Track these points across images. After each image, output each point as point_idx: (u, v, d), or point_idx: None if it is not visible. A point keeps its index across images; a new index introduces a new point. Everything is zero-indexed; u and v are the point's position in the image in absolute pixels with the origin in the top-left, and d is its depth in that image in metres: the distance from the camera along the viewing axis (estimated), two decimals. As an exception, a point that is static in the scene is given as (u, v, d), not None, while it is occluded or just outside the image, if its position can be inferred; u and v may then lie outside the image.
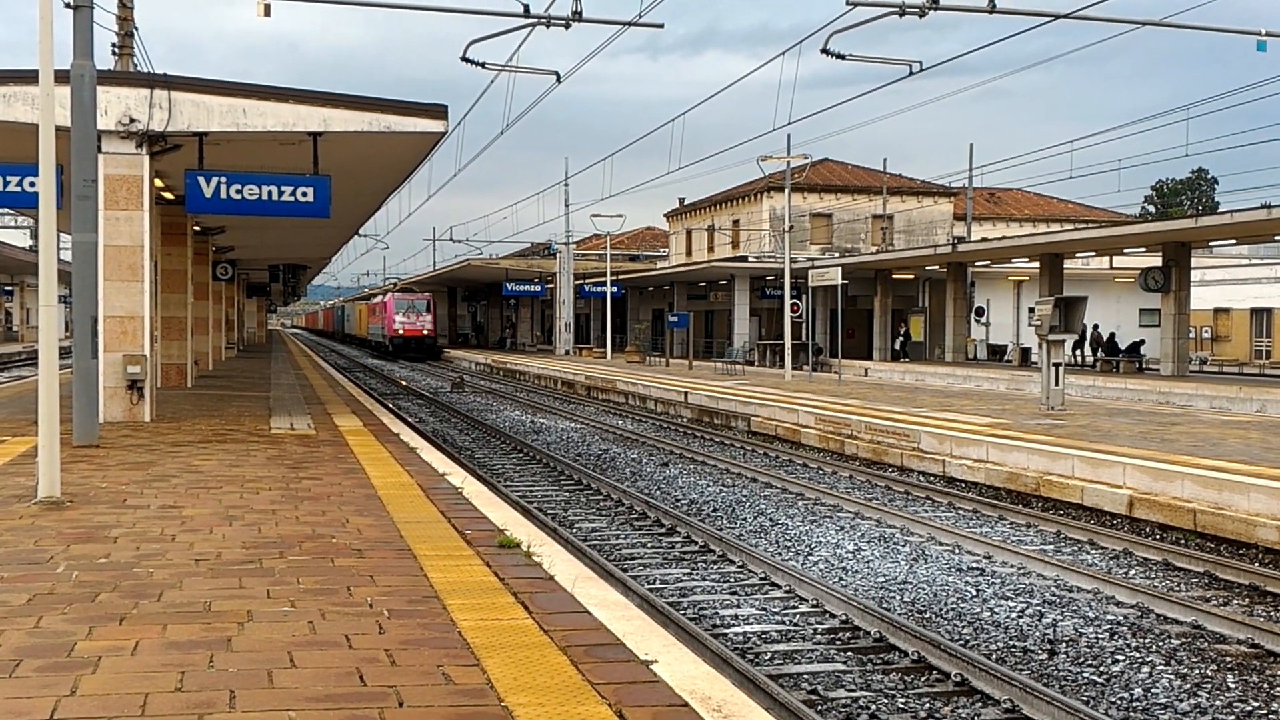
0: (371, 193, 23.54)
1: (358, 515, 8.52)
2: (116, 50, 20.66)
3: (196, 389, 23.97)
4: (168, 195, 20.20)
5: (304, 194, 15.12)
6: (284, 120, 15.06)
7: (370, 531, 7.89)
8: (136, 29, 20.59)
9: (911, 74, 18.02)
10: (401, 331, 64.72)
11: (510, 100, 65.10)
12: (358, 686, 4.57)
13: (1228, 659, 7.97)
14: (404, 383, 41.40)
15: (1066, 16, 16.20)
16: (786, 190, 37.17)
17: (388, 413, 20.69)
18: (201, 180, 15.01)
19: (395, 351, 64.65)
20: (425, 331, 65.70)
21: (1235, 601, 9.68)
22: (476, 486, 10.49)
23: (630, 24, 16.52)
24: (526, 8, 16.10)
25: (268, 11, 15.83)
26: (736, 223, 62.31)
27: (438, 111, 15.20)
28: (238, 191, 15.07)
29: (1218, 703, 7.10)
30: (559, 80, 18.74)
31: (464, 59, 17.50)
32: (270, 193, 15.09)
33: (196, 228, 27.00)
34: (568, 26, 15.84)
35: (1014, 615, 9.12)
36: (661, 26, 17.60)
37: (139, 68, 21.14)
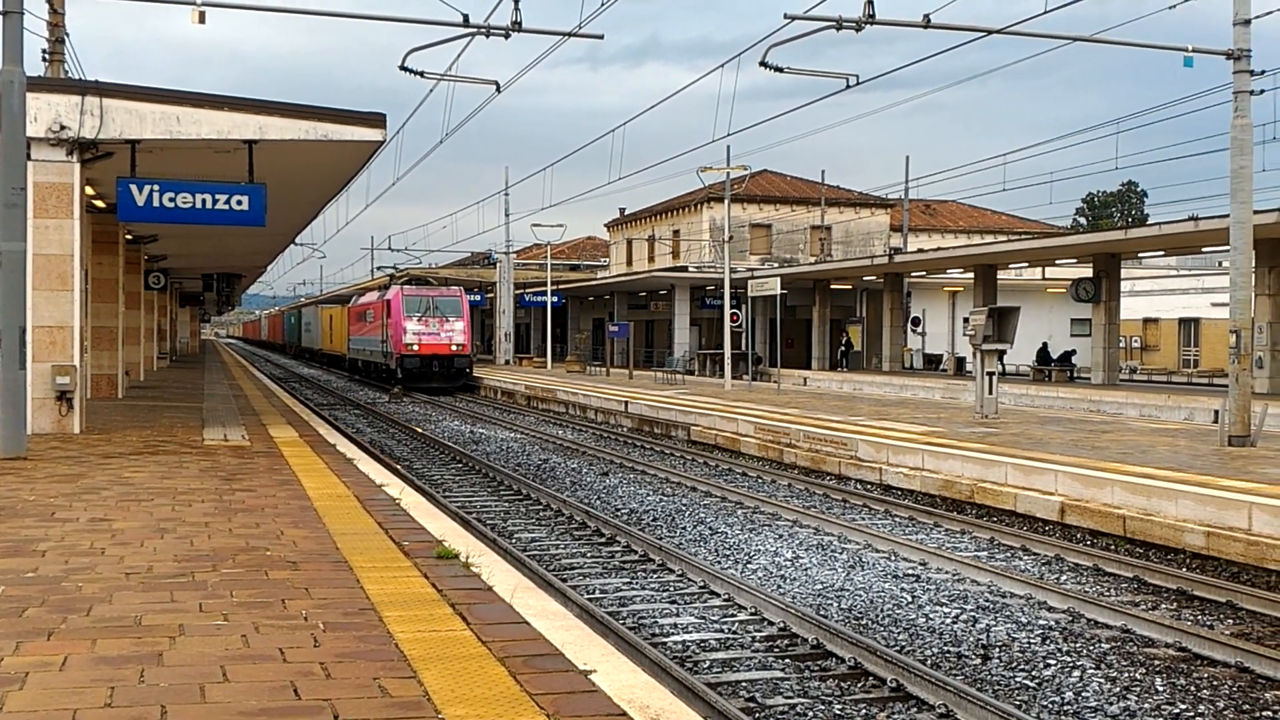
0: (308, 201, 23.33)
1: (293, 527, 8.43)
2: (47, 57, 20.30)
3: (128, 400, 23.55)
4: (99, 203, 19.86)
5: (239, 202, 14.94)
6: (219, 128, 14.89)
7: (305, 543, 7.81)
8: (68, 35, 20.25)
9: (848, 87, 18.22)
10: (417, 347, 40.71)
11: (449, 109, 65.05)
12: (292, 700, 4.52)
13: (1156, 662, 8.13)
14: (341, 393, 41.00)
15: (999, 32, 16.48)
16: (726, 201, 37.38)
17: (324, 423, 20.49)
18: (134, 188, 14.78)
19: (406, 378, 40.48)
20: (456, 347, 41.36)
21: (1164, 606, 9.89)
22: (415, 497, 10.42)
23: (570, 34, 16.54)
24: (466, 17, 16.07)
25: (202, 19, 15.64)
26: (677, 233, 62.53)
27: (376, 120, 15.11)
28: (171, 200, 14.85)
29: (1146, 705, 7.25)
30: (499, 90, 18.70)
31: (403, 68, 17.41)
32: (204, 201, 14.90)
33: (129, 236, 26.57)
34: (507, 36, 15.83)
35: (949, 621, 9.24)
36: (601, 38, 17.64)
37: (70, 74, 20.78)
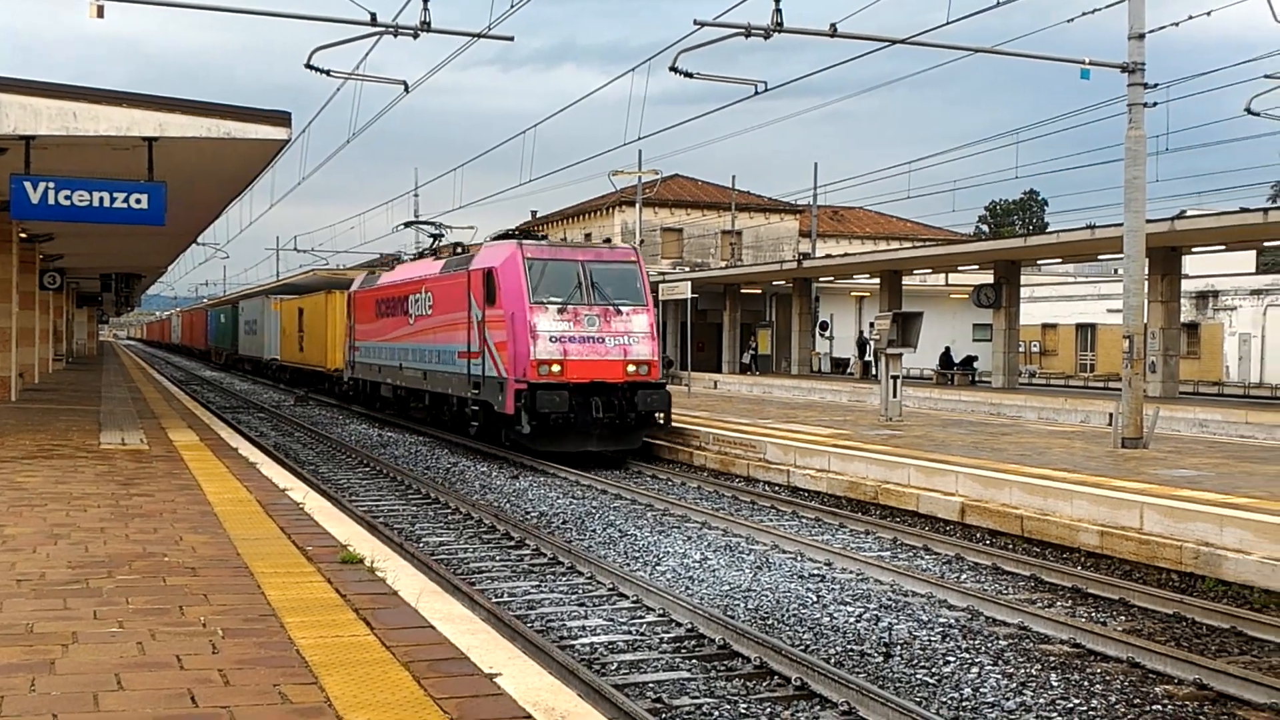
0: (211, 200, 22.85)
1: (192, 533, 8.27)
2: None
3: (21, 403, 22.84)
4: (-10, 200, 19.21)
5: (138, 201, 14.59)
6: (118, 125, 14.51)
7: (205, 549, 7.66)
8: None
9: (757, 93, 18.41)
10: (559, 369, 19.32)
11: (357, 109, 63.79)
12: (189, 708, 4.44)
13: (1051, 658, 8.35)
14: (245, 396, 40.17)
15: (902, 42, 16.80)
16: (638, 205, 37.51)
17: (226, 427, 20.10)
18: (28, 185, 14.34)
19: (540, 431, 19.24)
20: (636, 367, 19.80)
21: (1059, 603, 10.15)
22: (319, 502, 10.28)
23: (480, 35, 16.46)
24: (373, 16, 15.90)
25: (100, 13, 15.25)
26: (589, 236, 62.54)
27: (280, 118, 14.85)
28: (67, 198, 14.44)
29: (1041, 700, 7.44)
30: (407, 90, 18.54)
31: (309, 66, 17.17)
32: (102, 199, 14.51)
33: (23, 234, 25.76)
34: (416, 36, 15.69)
35: (852, 620, 9.38)
36: (512, 39, 17.59)
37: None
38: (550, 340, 19.17)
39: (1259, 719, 7.10)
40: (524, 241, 20.59)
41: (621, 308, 19.76)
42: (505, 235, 22.70)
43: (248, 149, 15.64)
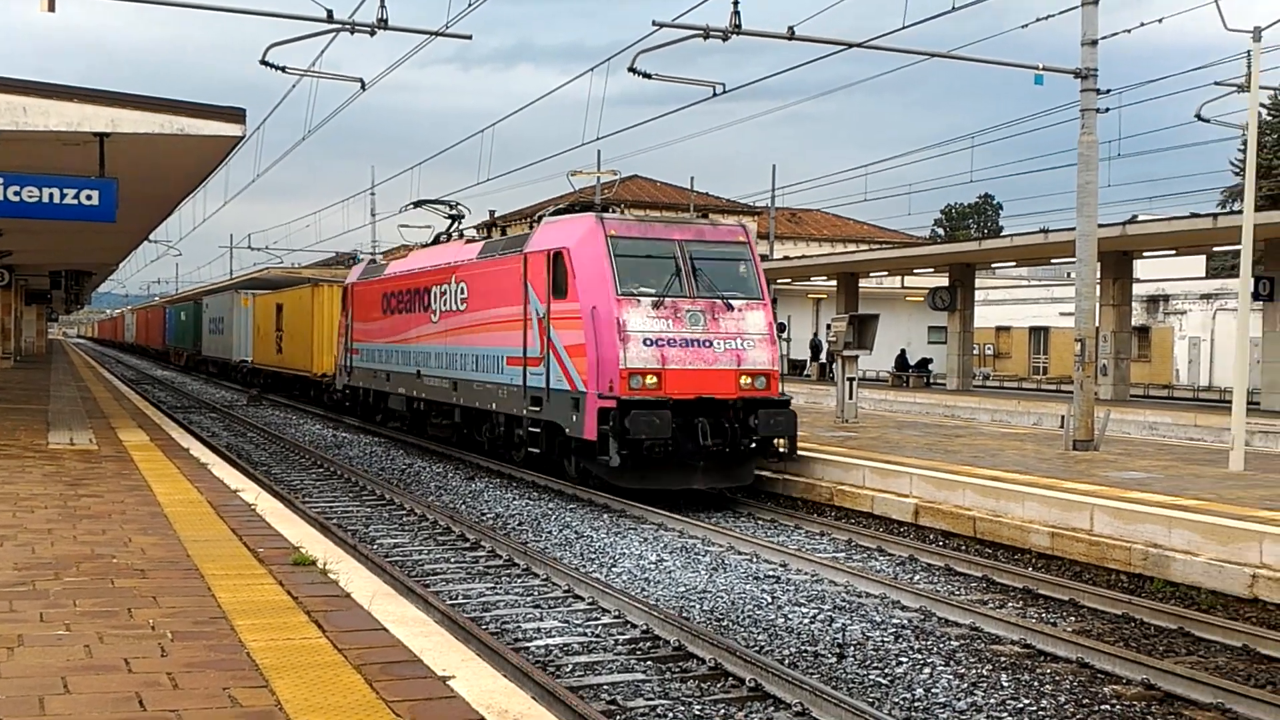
0: (163, 197, 22.57)
1: (141, 534, 8.16)
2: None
3: (-33, 402, 22.44)
4: (-64, 195, 18.86)
5: (89, 197, 14.39)
6: (69, 120, 14.30)
7: (155, 551, 7.57)
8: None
9: (715, 95, 18.47)
10: (656, 380, 15.02)
11: (313, 106, 63.18)
12: (137, 712, 4.39)
13: (1002, 659, 8.43)
14: (196, 395, 39.73)
15: (858, 45, 16.92)
16: (597, 205, 37.48)
17: (177, 427, 19.88)
18: (-26, 180, 14.09)
19: (633, 460, 14.79)
20: (751, 380, 15.58)
21: (1010, 604, 10.26)
22: (271, 503, 10.19)
23: (437, 34, 16.38)
24: (330, 13, 15.77)
25: (51, 6, 15.02)
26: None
27: (235, 115, 14.70)
28: (16, 193, 14.22)
29: (992, 700, 7.51)
30: (364, 87, 18.42)
31: (264, 62, 17.01)
32: (52, 195, 14.30)
33: (-31, 230, 25.33)
34: (373, 34, 15.60)
35: (807, 621, 9.42)
36: (470, 38, 17.51)
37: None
38: (645, 343, 14.92)
39: (1205, 718, 7.21)
40: (604, 215, 16.03)
41: (732, 302, 15.67)
42: (572, 208, 17.76)
43: (201, 145, 15.47)
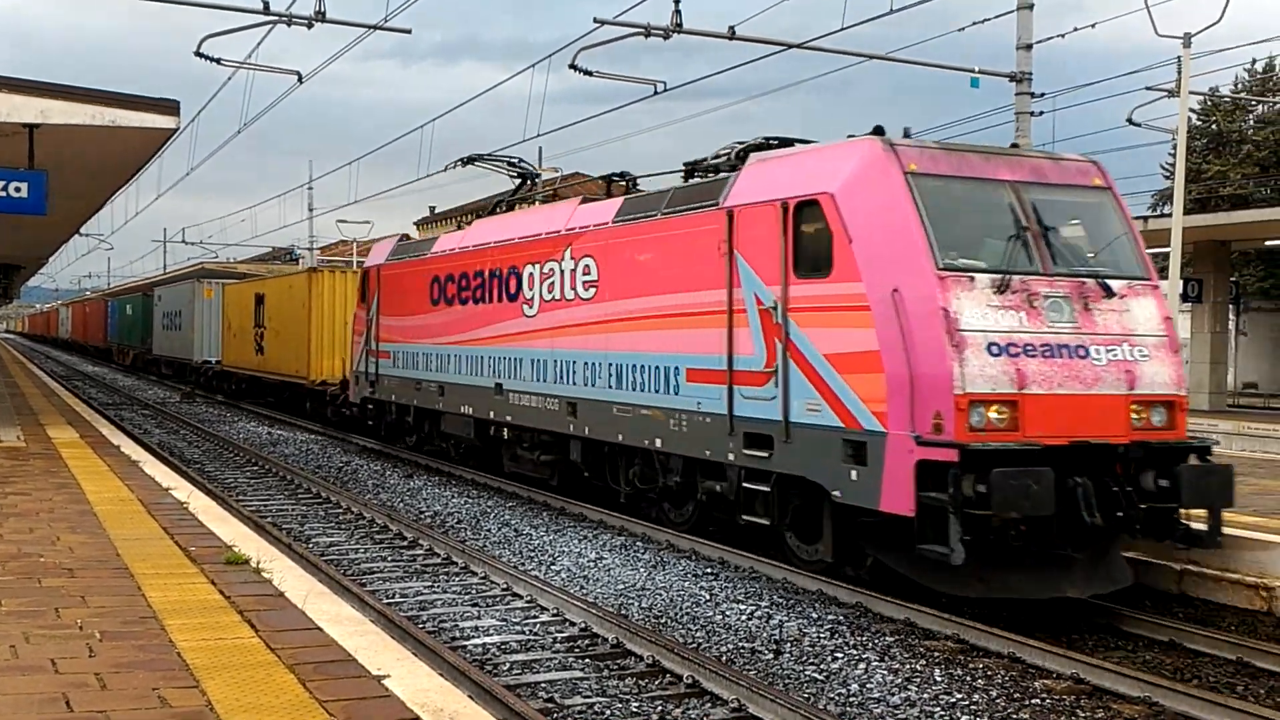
0: (95, 190, 22.15)
1: (70, 533, 8.02)
2: None
3: (-111, 398, 21.90)
4: None
5: (17, 189, 14.10)
6: (-5, 109, 13.99)
7: (84, 550, 7.43)
8: None
9: (656, 93, 18.50)
10: (1015, 417, 9.14)
11: (248, 99, 62.18)
12: (64, 713, 4.31)
13: (936, 654, 8.53)
14: (128, 392, 39.04)
15: (798, 46, 17.04)
16: (537, 202, 37.41)
17: (108, 424, 19.55)
18: (-103, 170, 13.74)
19: (975, 550, 8.78)
20: (1152, 413, 9.62)
21: (944, 599, 10.37)
22: (204, 501, 10.06)
23: (376, 27, 16.25)
24: (266, 4, 15.58)
25: (-23, -9, 14.68)
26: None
27: (168, 107, 14.46)
28: (-60, 184, 13.84)
29: (926, 695, 7.60)
30: (300, 80, 18.22)
31: (198, 54, 16.77)
32: (-22, 186, 13.97)
33: (-109, 221, 24.70)
34: (310, 26, 15.43)
35: (744, 618, 9.47)
36: (409, 32, 17.38)
37: None
38: (991, 351, 9.27)
39: (1132, 711, 7.36)
40: (894, 140, 10.31)
41: (1110, 283, 9.95)
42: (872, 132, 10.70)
43: (134, 138, 15.21)
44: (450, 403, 17.58)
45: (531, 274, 15.07)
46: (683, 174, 13.43)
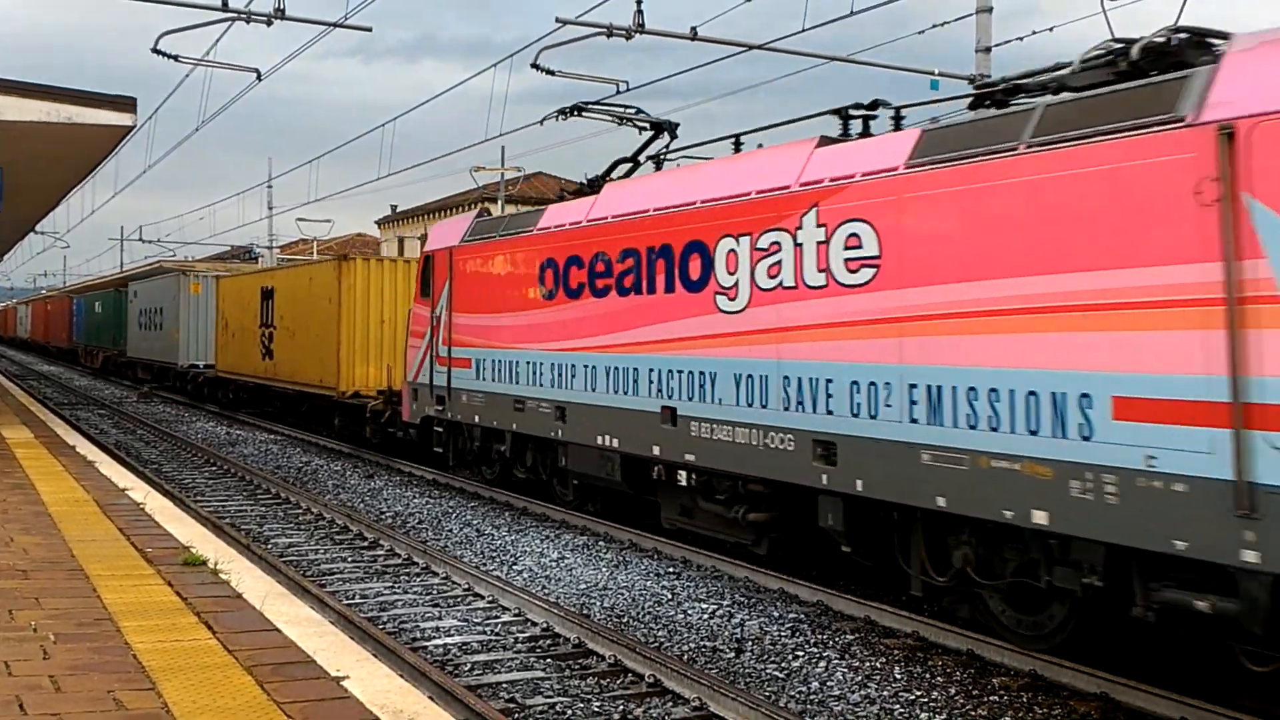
0: (50, 187, 21.88)
1: (24, 534, 7.91)
2: None
3: None
4: None
5: (-31, 186, 13.87)
6: (-53, 105, 13.78)
7: (38, 551, 7.34)
8: None
9: (619, 93, 18.47)
10: None
11: (206, 96, 61.54)
12: (18, 715, 4.25)
13: (895, 652, 8.59)
14: (84, 391, 38.55)
15: (759, 47, 17.08)
16: (500, 201, 37.33)
17: (63, 423, 19.30)
18: None
19: None
20: None
21: (904, 597, 10.44)
22: (161, 502, 9.96)
23: (336, 25, 16.12)
24: (225, 1, 15.43)
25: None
26: (448, 232, 61.82)
27: (125, 104, 14.30)
28: (-110, 179, 13.43)
29: (885, 693, 7.65)
30: (259, 78, 18.06)
31: (155, 50, 16.57)
32: (-71, 182, 13.69)
33: None
34: (269, 24, 15.28)
35: (706, 617, 9.50)
36: (369, 30, 17.27)
37: None
38: None
39: (1087, 707, 7.44)
40: None
41: None
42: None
43: (90, 135, 15.04)
44: (578, 430, 13.09)
45: (732, 252, 10.77)
46: (971, 100, 9.40)
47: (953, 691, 7.69)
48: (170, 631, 5.50)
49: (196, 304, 32.62)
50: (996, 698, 7.60)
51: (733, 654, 8.45)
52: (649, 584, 10.67)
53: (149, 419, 27.76)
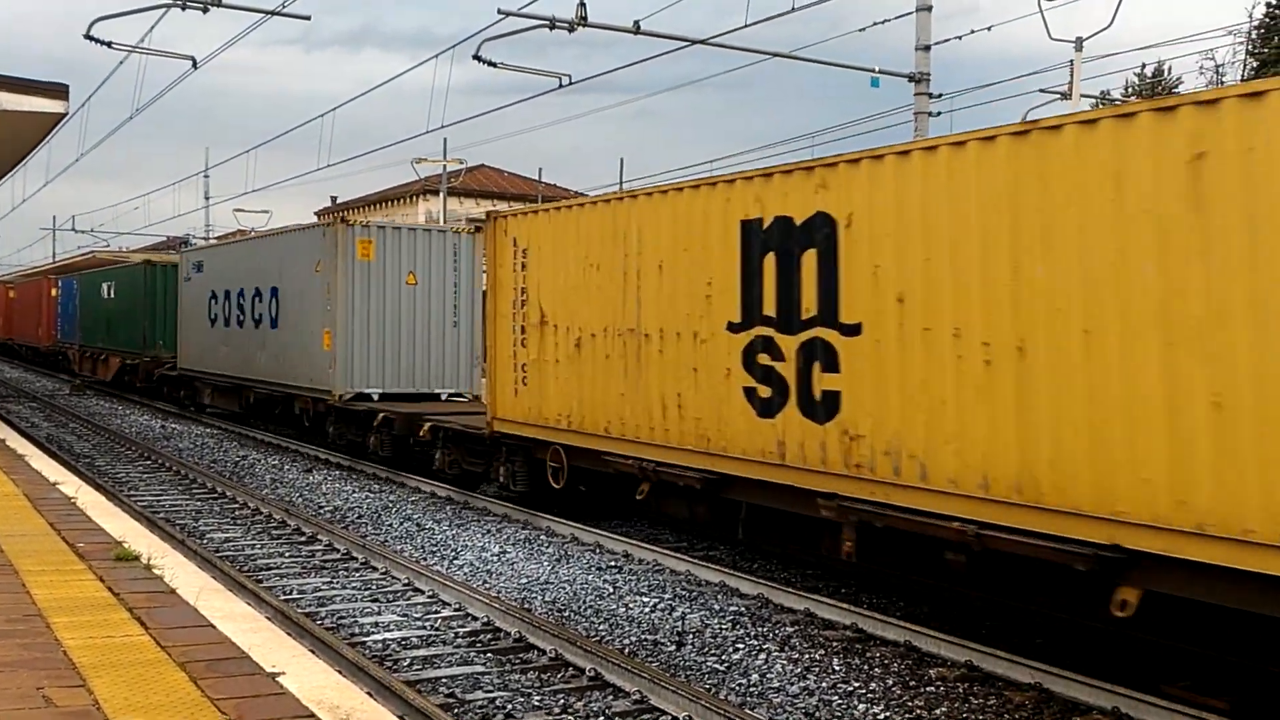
0: (-21, 175, 21.41)
1: (-50, 529, 7.73)
2: None
3: None
4: None
5: (-106, 172, 13.51)
6: None
7: (-36, 547, 7.17)
8: None
9: (561, 86, 18.44)
10: None
11: (141, 84, 60.34)
12: (-61, 717, 4.15)
13: (834, 644, 8.66)
14: (15, 384, 37.74)
15: (701, 42, 17.14)
16: (443, 194, 37.10)
17: (-6, 417, 18.89)
18: None
19: None
20: None
21: (843, 589, 10.54)
22: (94, 496, 9.78)
23: (274, 13, 15.94)
24: (161, -13, 15.19)
25: None
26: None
27: (57, 91, 14.02)
28: None
29: (824, 684, 7.71)
30: (195, 65, 17.79)
31: (88, 36, 16.26)
32: None
33: None
34: (206, 11, 15.06)
35: (647, 610, 9.51)
36: (308, 19, 17.13)
37: None
38: None
39: (1022, 698, 7.54)
40: None
41: None
42: None
43: (21, 122, 14.73)
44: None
45: None
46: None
47: (890, 683, 7.77)
48: (102, 628, 5.40)
49: (368, 276, 18.19)
50: (933, 688, 7.69)
51: (674, 647, 8.48)
52: (591, 578, 10.66)
53: (81, 412, 27.24)
